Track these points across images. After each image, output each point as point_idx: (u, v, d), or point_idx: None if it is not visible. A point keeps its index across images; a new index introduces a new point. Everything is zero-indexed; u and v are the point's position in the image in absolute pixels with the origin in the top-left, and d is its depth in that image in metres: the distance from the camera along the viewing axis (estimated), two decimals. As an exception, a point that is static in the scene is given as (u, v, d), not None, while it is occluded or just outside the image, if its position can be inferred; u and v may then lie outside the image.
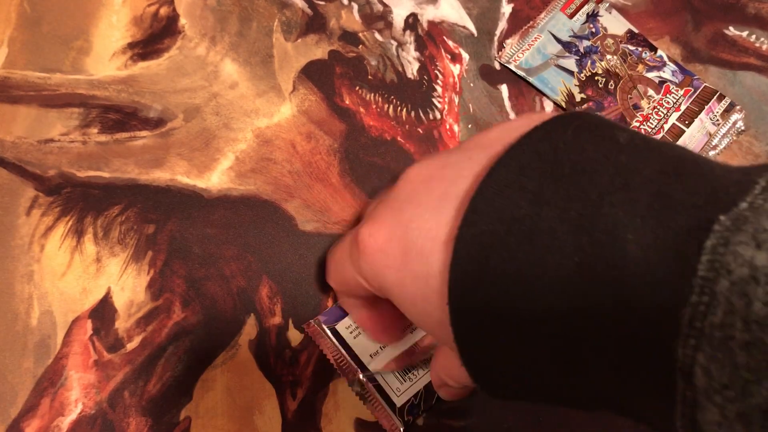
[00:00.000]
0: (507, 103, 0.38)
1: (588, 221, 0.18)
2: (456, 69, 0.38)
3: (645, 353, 0.18)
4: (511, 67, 0.38)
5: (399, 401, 0.32)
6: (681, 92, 0.37)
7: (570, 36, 0.38)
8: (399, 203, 0.25)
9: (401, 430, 0.32)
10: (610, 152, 0.20)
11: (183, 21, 0.39)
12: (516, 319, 0.20)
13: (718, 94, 0.37)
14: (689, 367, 0.16)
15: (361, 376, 0.32)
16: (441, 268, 0.21)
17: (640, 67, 0.38)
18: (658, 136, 0.36)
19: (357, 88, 0.38)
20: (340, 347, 0.32)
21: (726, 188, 0.17)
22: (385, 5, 0.39)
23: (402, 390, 0.32)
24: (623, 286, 0.18)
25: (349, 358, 0.32)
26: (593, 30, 0.38)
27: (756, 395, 0.15)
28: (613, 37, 0.38)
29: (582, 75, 0.37)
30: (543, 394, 0.22)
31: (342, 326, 0.33)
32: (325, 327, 0.33)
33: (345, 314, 0.33)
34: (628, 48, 0.38)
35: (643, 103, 0.37)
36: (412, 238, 0.23)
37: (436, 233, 0.22)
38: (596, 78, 0.37)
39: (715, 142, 0.36)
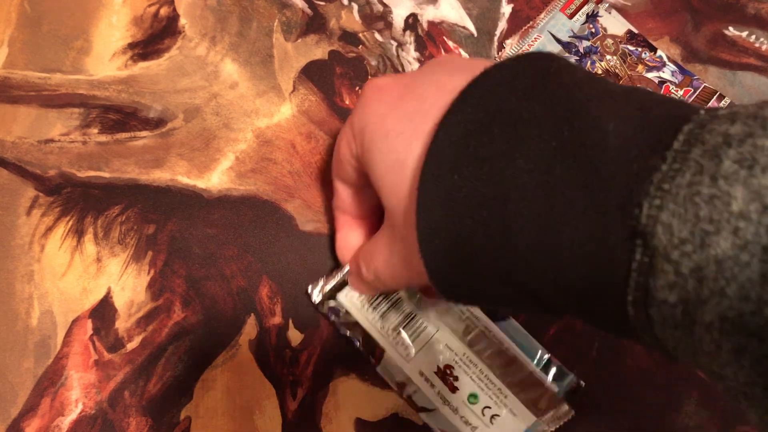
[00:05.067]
0: (507, 104, 0.38)
1: (571, 114, 0.19)
2: (456, 69, 0.38)
3: (608, 229, 0.18)
4: (511, 67, 0.38)
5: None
6: (681, 92, 0.37)
7: (570, 36, 0.38)
8: (420, 67, 0.26)
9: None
10: (598, 79, 0.21)
11: (183, 21, 0.39)
12: (483, 205, 0.20)
13: (717, 94, 0.37)
14: (651, 228, 0.17)
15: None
16: (433, 111, 0.22)
17: (640, 68, 0.38)
18: (658, 136, 0.36)
19: (357, 88, 0.38)
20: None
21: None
22: (385, 5, 0.39)
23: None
24: (596, 164, 0.18)
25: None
26: (593, 30, 0.38)
27: (713, 246, 0.16)
28: (613, 37, 0.38)
29: (582, 75, 0.38)
30: (498, 292, 0.21)
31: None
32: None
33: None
34: (627, 48, 0.38)
35: (643, 104, 0.37)
36: (418, 82, 0.23)
37: (444, 84, 0.22)
38: (596, 78, 0.37)
39: (714, 142, 0.37)
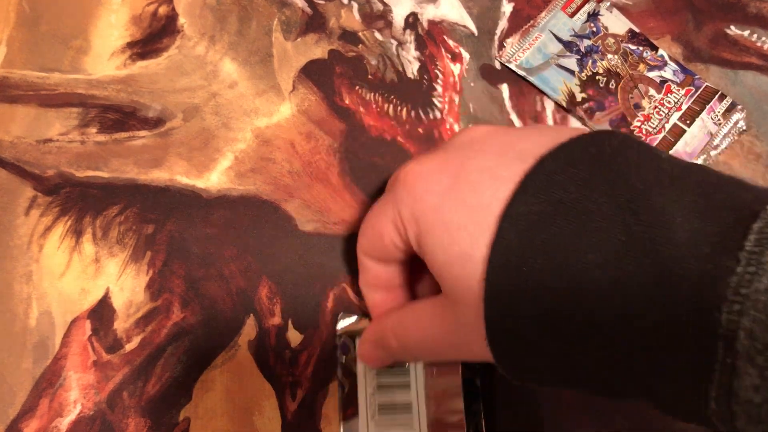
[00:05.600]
0: (507, 103, 0.38)
1: (635, 205, 0.19)
2: (456, 68, 0.38)
3: (686, 326, 0.18)
4: (512, 66, 0.38)
5: None
6: (682, 92, 0.37)
7: (571, 35, 0.38)
8: (454, 147, 0.25)
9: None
10: (652, 159, 0.21)
11: (182, 20, 0.38)
12: (552, 296, 0.20)
13: (719, 93, 0.37)
14: (733, 332, 0.17)
15: None
16: (495, 204, 0.21)
17: (641, 67, 0.37)
18: (659, 136, 0.36)
19: (357, 87, 0.38)
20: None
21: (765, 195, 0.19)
22: (385, 4, 0.39)
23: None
24: (668, 261, 0.18)
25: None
26: (594, 29, 0.38)
27: None
28: (614, 36, 0.38)
29: (583, 74, 0.37)
30: (568, 377, 0.22)
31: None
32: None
33: None
34: (629, 47, 0.38)
35: (644, 103, 0.37)
36: (467, 169, 0.23)
37: (497, 173, 0.22)
38: (597, 77, 0.37)
39: (716, 141, 0.36)
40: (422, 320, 0.26)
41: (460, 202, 0.22)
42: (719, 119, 0.37)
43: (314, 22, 0.39)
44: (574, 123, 0.37)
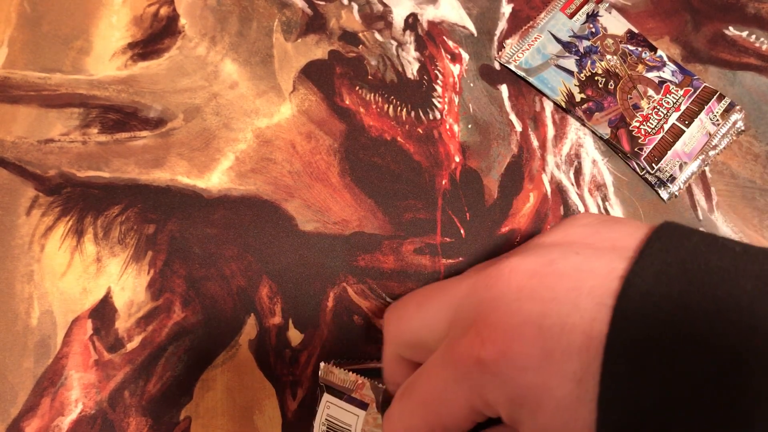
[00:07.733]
0: (507, 103, 0.38)
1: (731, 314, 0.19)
2: (456, 69, 0.38)
3: None
4: (511, 67, 0.38)
5: None
6: (681, 92, 0.37)
7: (570, 36, 0.38)
8: (516, 299, 0.22)
9: None
10: (725, 257, 0.20)
11: (183, 21, 0.39)
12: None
13: (717, 94, 0.37)
14: None
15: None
16: (597, 362, 0.19)
17: (640, 67, 0.38)
18: (658, 137, 0.36)
19: (357, 88, 0.38)
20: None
21: None
22: (385, 5, 0.39)
23: None
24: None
25: None
26: (593, 30, 0.38)
27: None
28: (613, 37, 0.38)
29: (582, 75, 0.38)
30: None
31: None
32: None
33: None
34: (627, 48, 0.38)
35: (643, 103, 0.37)
36: (553, 335, 0.20)
37: (583, 330, 0.20)
38: (596, 78, 0.37)
39: (714, 142, 0.37)
40: None
41: (563, 375, 0.20)
42: (718, 119, 0.37)
43: (314, 23, 0.39)
44: (573, 123, 0.38)
